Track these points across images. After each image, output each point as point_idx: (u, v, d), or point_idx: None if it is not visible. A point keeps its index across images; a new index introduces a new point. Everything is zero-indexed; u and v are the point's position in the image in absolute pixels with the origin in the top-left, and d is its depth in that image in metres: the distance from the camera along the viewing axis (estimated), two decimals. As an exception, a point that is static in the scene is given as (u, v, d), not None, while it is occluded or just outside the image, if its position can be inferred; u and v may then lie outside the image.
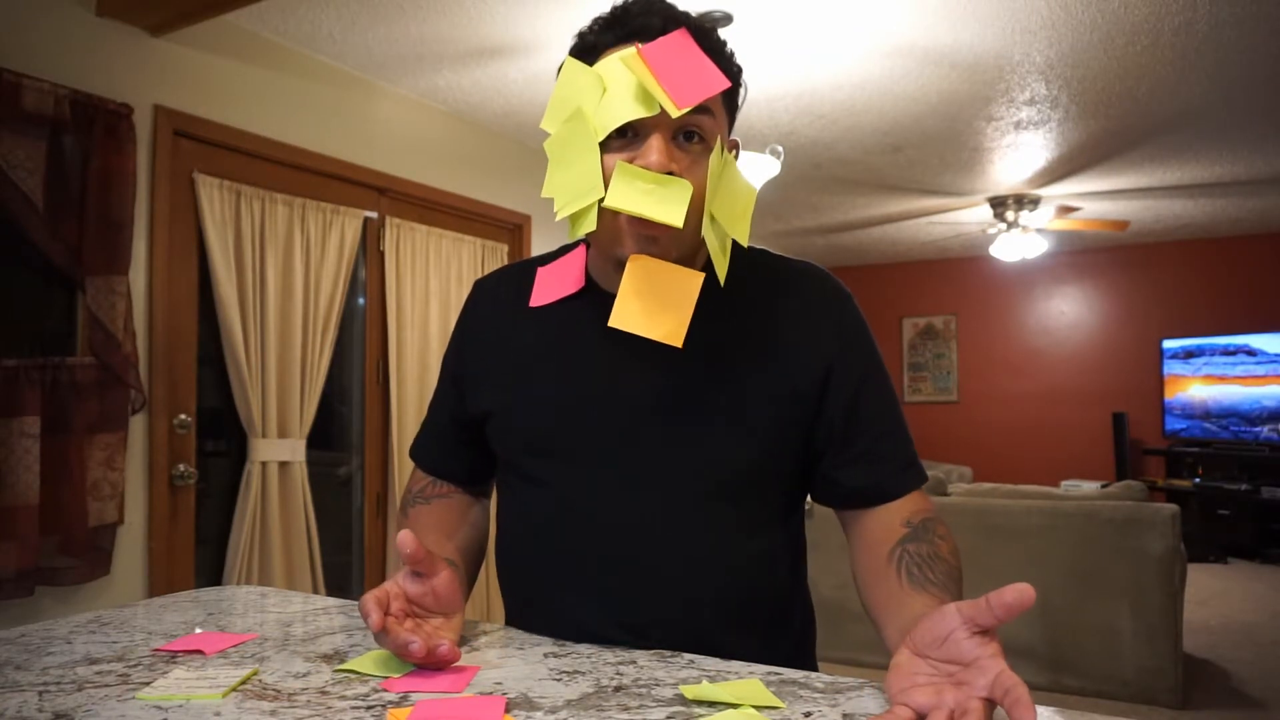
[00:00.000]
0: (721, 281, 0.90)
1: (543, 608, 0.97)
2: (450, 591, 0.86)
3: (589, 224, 0.86)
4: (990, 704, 0.61)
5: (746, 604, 0.94)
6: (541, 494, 0.97)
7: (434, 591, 0.84)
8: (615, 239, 0.89)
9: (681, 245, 0.89)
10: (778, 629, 0.98)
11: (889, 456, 0.95)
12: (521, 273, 1.06)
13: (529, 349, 1.00)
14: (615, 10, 0.90)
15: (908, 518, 0.91)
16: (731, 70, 0.92)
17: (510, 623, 1.04)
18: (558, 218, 0.89)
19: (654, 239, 0.86)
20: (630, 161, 0.84)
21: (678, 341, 0.86)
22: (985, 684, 0.62)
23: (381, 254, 3.33)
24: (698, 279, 0.87)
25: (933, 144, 4.17)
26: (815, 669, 1.00)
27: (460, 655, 0.82)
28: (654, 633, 0.91)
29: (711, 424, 0.91)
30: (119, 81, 2.42)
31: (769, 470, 0.94)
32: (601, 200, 0.84)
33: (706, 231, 0.86)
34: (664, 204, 0.81)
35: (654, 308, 0.86)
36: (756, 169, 3.19)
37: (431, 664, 0.78)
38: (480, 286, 1.11)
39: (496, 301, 1.07)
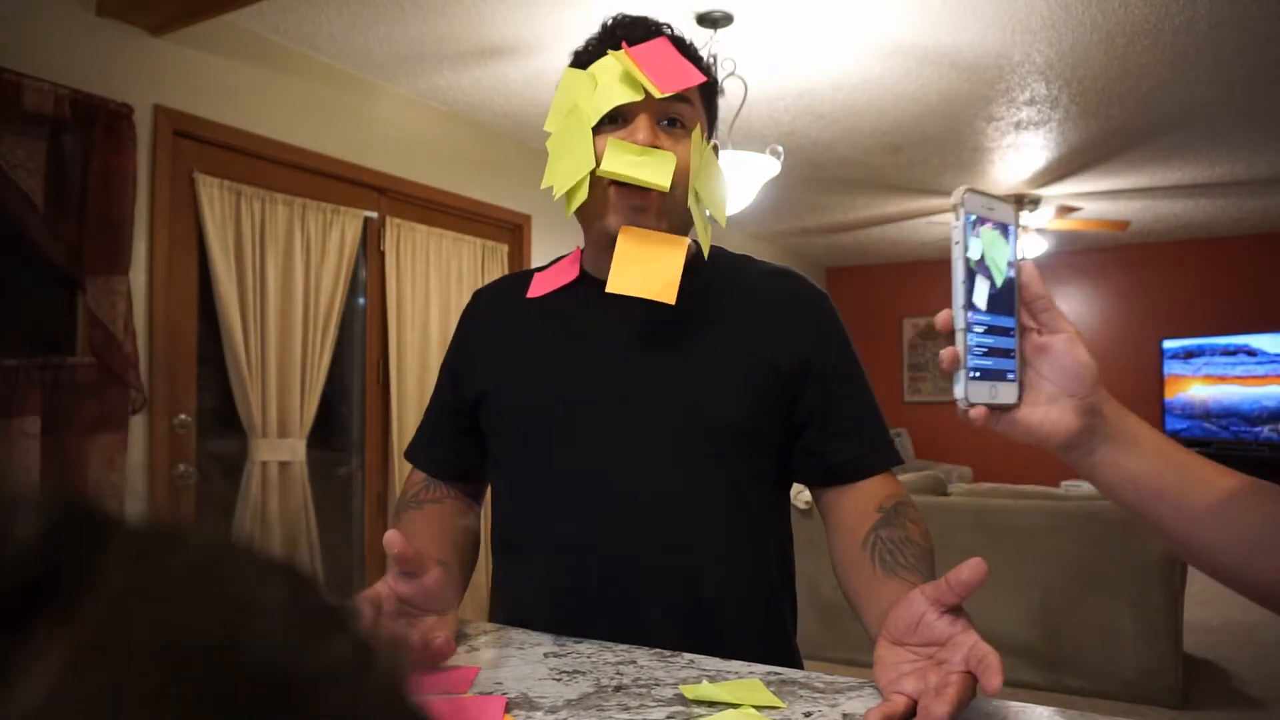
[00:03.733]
0: (705, 254, 1.01)
1: (542, 580, 0.99)
2: (442, 589, 0.87)
3: (581, 196, 0.95)
4: (971, 676, 0.64)
5: (734, 563, 0.98)
6: (537, 462, 1.01)
7: (425, 590, 0.85)
8: (605, 211, 0.96)
9: (669, 215, 0.97)
10: (761, 602, 1.01)
11: (865, 435, 1.01)
12: (520, 278, 1.13)
13: (525, 333, 1.06)
14: (604, 28, 1.00)
15: (880, 502, 0.95)
16: (710, 75, 1.00)
17: (504, 608, 1.05)
18: (555, 196, 0.97)
19: (642, 208, 0.95)
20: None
21: (670, 298, 0.93)
22: (962, 658, 0.65)
23: (381, 254, 3.33)
24: (683, 243, 0.95)
25: (933, 144, 4.17)
26: (799, 661, 1.02)
27: (455, 648, 0.82)
28: (651, 600, 0.93)
29: (699, 384, 0.97)
30: (119, 81, 2.42)
31: (753, 430, 0.98)
32: (594, 171, 0.93)
33: (693, 204, 0.95)
34: (652, 170, 0.92)
35: (646, 271, 0.94)
36: (756, 169, 3.19)
37: (428, 659, 0.78)
38: (479, 293, 1.18)
39: (495, 302, 1.14)
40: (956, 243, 0.62)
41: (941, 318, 0.63)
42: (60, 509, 0.14)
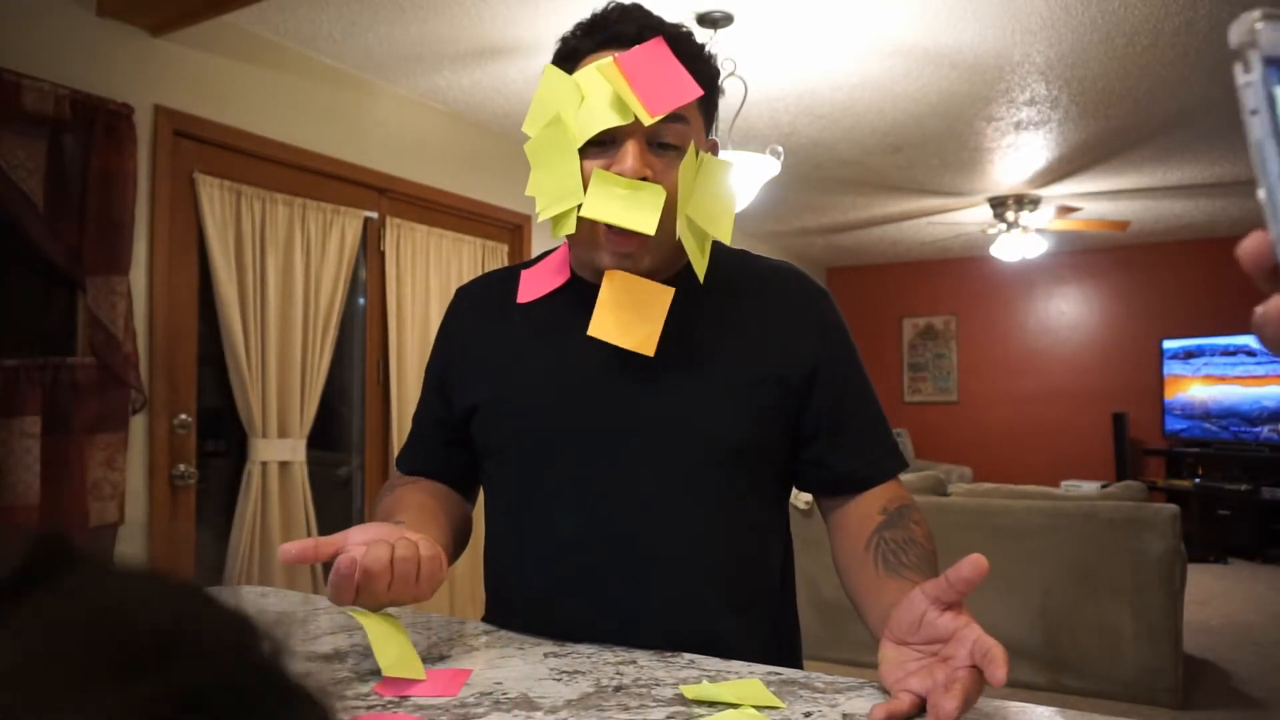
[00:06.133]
0: (701, 279, 0.94)
1: (540, 594, 0.96)
2: (383, 534, 0.81)
3: (569, 226, 0.90)
4: (978, 671, 0.64)
5: (742, 583, 0.96)
6: (535, 480, 0.97)
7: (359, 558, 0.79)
8: (593, 247, 0.92)
9: (658, 250, 0.92)
10: (770, 618, 1.00)
11: (873, 444, 0.99)
12: (504, 276, 1.09)
13: (516, 341, 1.01)
14: (594, 17, 0.93)
15: (884, 505, 0.94)
16: (709, 72, 0.95)
17: (500, 619, 1.03)
18: (540, 219, 0.92)
19: (629, 255, 0.90)
20: (607, 168, 0.87)
21: (649, 351, 0.91)
22: (967, 653, 0.65)
23: (381, 254, 3.33)
24: (668, 293, 0.91)
25: (933, 144, 4.17)
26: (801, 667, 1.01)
27: (442, 567, 0.82)
28: (653, 612, 0.91)
29: (702, 402, 0.94)
30: (119, 81, 2.42)
31: (758, 447, 0.96)
32: (581, 207, 0.88)
33: (683, 232, 0.90)
34: (637, 211, 0.86)
35: (628, 319, 0.91)
36: (756, 169, 3.19)
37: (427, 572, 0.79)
38: (462, 291, 1.13)
39: (479, 303, 1.09)
40: (1254, 111, 0.38)
41: (1252, 244, 0.39)
42: (44, 541, 0.22)
